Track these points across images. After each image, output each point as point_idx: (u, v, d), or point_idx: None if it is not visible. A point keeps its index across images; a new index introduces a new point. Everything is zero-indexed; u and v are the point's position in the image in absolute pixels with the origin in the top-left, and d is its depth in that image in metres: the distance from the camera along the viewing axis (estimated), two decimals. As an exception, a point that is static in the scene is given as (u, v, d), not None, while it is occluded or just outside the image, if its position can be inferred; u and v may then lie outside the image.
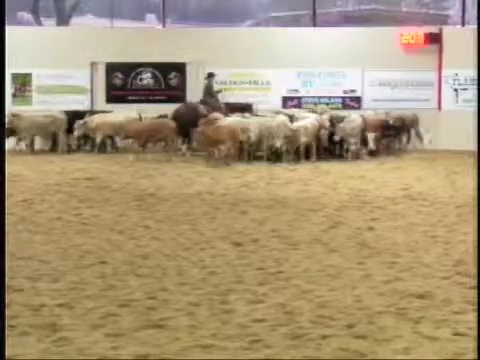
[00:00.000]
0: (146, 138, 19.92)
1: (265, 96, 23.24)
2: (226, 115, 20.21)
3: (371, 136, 19.69)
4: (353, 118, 19.78)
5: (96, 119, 20.93)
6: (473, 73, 21.99)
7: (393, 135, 20.95)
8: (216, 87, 22.26)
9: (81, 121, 20.70)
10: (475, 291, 7.61)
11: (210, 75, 22.22)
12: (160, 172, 16.96)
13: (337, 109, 22.58)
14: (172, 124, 20.09)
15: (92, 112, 21.90)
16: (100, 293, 7.71)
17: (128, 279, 8.25)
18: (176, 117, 20.47)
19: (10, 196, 12.78)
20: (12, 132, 20.60)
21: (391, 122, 20.49)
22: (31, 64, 23.14)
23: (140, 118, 21.03)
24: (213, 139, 18.48)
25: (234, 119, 19.52)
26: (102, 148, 21.04)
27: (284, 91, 23.41)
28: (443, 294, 7.65)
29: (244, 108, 21.42)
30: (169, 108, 21.99)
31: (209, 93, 21.99)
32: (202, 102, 21.66)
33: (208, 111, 20.72)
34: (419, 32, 23.46)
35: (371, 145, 19.74)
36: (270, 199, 13.49)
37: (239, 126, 18.81)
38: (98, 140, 20.89)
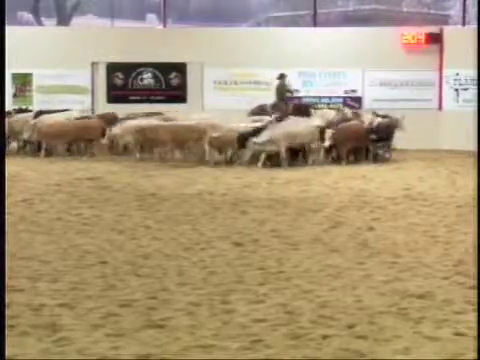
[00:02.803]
0: (71, 139, 19.73)
1: (266, 96, 23.20)
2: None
3: (328, 134, 18.28)
4: (279, 125, 18.57)
5: (46, 121, 20.13)
6: (474, 73, 21.98)
7: (382, 139, 19.45)
8: (289, 87, 22.01)
9: (31, 122, 19.92)
10: (475, 291, 7.61)
11: (282, 76, 21.76)
12: (160, 172, 16.96)
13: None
14: (97, 124, 19.90)
15: (41, 112, 21.17)
16: (100, 293, 7.71)
17: (129, 279, 8.26)
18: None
19: (10, 196, 12.78)
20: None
21: (377, 124, 19.32)
22: (32, 64, 23.15)
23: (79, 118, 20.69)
24: (155, 139, 18.56)
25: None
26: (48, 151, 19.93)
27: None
28: (443, 294, 7.65)
29: (302, 109, 21.39)
30: (170, 108, 22.04)
31: (280, 94, 21.65)
32: (274, 104, 21.51)
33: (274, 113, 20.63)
34: (420, 32, 23.48)
35: (326, 143, 18.33)
36: (270, 199, 13.49)
37: (185, 127, 18.71)
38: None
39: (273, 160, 18.01)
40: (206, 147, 18.31)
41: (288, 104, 21.63)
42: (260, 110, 21.22)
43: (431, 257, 9.26)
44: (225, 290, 7.82)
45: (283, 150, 17.90)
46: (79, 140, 20.09)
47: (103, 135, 19.50)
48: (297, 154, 18.69)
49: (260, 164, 17.71)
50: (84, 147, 20.25)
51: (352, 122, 19.94)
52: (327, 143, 18.28)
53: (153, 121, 19.76)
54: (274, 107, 21.28)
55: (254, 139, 17.72)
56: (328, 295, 7.65)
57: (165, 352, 6.11)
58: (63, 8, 32.53)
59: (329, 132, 18.30)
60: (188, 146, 18.79)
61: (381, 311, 7.09)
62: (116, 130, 19.23)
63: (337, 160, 18.70)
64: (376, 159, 19.12)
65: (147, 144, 19.04)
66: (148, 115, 20.91)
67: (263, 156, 17.82)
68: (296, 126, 18.56)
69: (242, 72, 23.36)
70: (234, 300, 7.47)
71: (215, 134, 18.14)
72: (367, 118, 20.03)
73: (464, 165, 18.09)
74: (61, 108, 21.77)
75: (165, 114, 21.16)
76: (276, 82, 21.75)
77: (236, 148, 18.23)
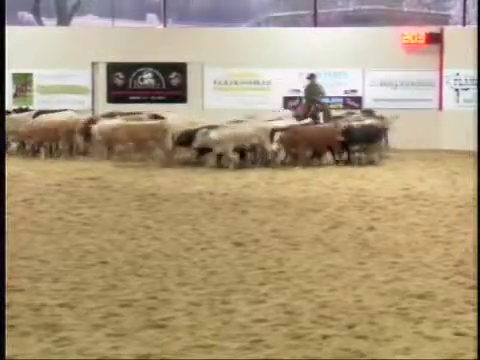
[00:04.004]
0: (39, 139, 19.55)
1: (266, 96, 23.24)
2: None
3: (276, 137, 17.57)
4: (227, 126, 18.22)
5: (44, 119, 20.15)
6: (474, 73, 21.97)
7: (359, 143, 18.50)
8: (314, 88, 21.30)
9: (29, 122, 19.85)
10: (475, 291, 7.61)
11: (311, 76, 21.30)
12: (161, 172, 16.96)
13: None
14: (70, 124, 19.77)
15: (40, 112, 21.16)
16: (101, 293, 7.71)
17: (129, 279, 8.26)
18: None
19: (10, 196, 12.77)
20: None
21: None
22: (32, 64, 23.16)
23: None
24: (116, 139, 18.79)
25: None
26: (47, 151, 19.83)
27: (285, 91, 23.38)
28: (444, 294, 7.65)
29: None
30: (170, 108, 22.02)
31: (310, 94, 21.18)
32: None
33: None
34: (420, 32, 23.47)
35: (274, 147, 17.63)
36: (271, 199, 13.49)
37: (144, 127, 18.91)
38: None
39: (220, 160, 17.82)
40: (169, 145, 18.34)
41: (311, 106, 21.20)
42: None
43: (431, 257, 9.26)
44: (225, 290, 7.82)
45: (228, 150, 17.58)
46: (48, 140, 19.84)
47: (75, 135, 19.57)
48: (246, 155, 18.26)
49: (210, 164, 17.57)
50: (77, 147, 20.24)
51: (310, 125, 19.06)
52: (274, 146, 17.71)
53: (116, 121, 19.86)
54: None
55: (202, 130, 17.55)
56: (328, 295, 7.65)
57: (165, 352, 6.11)
58: (63, 8, 32.54)
59: (277, 134, 17.68)
60: (149, 146, 18.86)
61: (381, 311, 7.09)
62: (94, 129, 19.34)
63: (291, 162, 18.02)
64: (350, 162, 18.25)
65: (111, 144, 19.22)
66: (125, 115, 20.93)
67: (214, 156, 17.73)
68: (245, 128, 18.17)
69: (242, 72, 23.37)
70: (234, 300, 7.47)
71: (179, 129, 18.17)
72: (341, 122, 19.18)
73: (464, 165, 18.08)
74: (62, 108, 21.75)
75: (144, 114, 21.16)
76: (305, 82, 21.57)
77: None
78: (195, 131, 17.72)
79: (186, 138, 17.75)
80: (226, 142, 17.53)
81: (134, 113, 21.09)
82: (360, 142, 18.59)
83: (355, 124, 18.79)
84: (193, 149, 17.80)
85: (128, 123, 19.40)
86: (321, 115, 21.03)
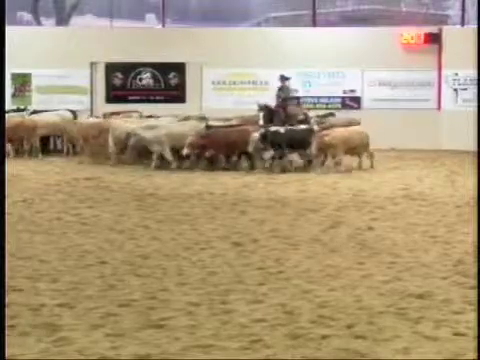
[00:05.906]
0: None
1: (264, 97, 23.23)
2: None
3: (188, 140, 17.09)
4: (163, 125, 18.17)
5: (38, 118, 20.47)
6: (473, 73, 22.01)
7: (286, 147, 17.51)
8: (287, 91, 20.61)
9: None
10: (475, 291, 7.62)
11: (283, 78, 20.47)
12: (159, 172, 16.97)
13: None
14: (29, 123, 19.88)
15: (35, 111, 21.51)
16: (100, 293, 7.71)
17: (128, 279, 8.26)
18: None
19: (10, 196, 12.78)
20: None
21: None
22: (31, 64, 23.15)
23: (75, 117, 20.96)
24: (71, 136, 19.61)
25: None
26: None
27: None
28: (443, 294, 7.65)
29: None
30: (169, 108, 22.04)
31: (281, 96, 20.48)
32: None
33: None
34: (419, 32, 23.50)
35: (184, 150, 17.09)
36: (270, 199, 13.50)
37: (88, 125, 19.38)
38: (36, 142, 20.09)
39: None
40: (110, 143, 18.42)
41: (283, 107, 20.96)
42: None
43: (430, 257, 9.27)
44: (224, 290, 7.82)
45: (165, 150, 17.64)
46: (11, 140, 19.66)
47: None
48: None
49: (153, 165, 17.57)
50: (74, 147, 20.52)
51: (221, 129, 18.20)
52: (185, 151, 17.14)
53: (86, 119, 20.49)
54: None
55: (137, 131, 17.60)
56: (327, 295, 7.65)
57: (164, 352, 6.11)
58: (62, 8, 32.50)
59: (189, 138, 17.19)
60: (91, 143, 19.07)
61: (380, 311, 7.09)
62: None
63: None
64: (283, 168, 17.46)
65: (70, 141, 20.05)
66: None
67: (154, 156, 17.73)
68: (181, 127, 18.01)
69: (241, 72, 23.39)
70: (233, 300, 7.47)
71: (116, 132, 18.30)
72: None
73: (463, 165, 18.10)
74: (61, 108, 21.79)
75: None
76: (278, 84, 21.43)
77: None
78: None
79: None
80: (161, 141, 17.54)
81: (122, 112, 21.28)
82: (282, 147, 17.50)
83: (281, 129, 17.76)
84: (129, 149, 17.92)
85: (79, 122, 19.80)
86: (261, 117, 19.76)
